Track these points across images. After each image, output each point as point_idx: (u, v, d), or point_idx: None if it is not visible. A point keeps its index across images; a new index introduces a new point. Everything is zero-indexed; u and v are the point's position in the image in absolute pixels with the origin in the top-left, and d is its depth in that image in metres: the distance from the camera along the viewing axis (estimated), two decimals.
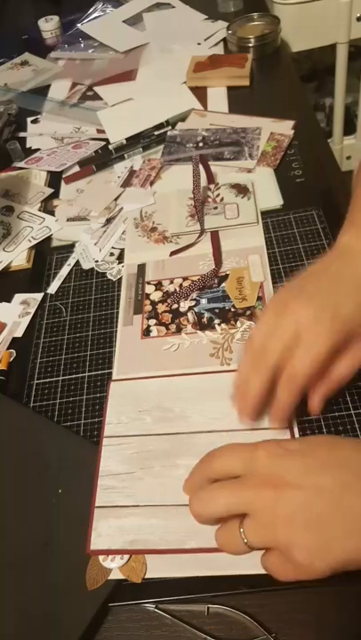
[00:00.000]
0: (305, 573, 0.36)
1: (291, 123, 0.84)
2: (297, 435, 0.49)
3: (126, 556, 0.45)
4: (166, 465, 0.50)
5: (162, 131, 0.87)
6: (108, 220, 0.76)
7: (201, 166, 0.78)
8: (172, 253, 0.69)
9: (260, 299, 0.61)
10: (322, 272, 0.47)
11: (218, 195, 0.74)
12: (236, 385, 0.48)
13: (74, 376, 0.60)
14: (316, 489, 0.37)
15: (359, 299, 0.44)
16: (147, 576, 0.44)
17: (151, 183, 0.79)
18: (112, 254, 0.72)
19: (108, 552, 0.45)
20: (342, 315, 0.43)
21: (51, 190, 0.83)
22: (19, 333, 0.65)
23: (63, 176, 0.85)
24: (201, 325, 0.61)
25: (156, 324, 0.62)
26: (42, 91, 1.07)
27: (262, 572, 0.43)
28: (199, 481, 0.43)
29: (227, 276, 0.64)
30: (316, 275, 0.48)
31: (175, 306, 0.63)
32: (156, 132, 0.87)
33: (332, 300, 0.44)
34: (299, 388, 0.44)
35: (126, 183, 0.80)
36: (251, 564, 0.43)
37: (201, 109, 0.91)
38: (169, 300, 0.64)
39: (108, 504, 0.48)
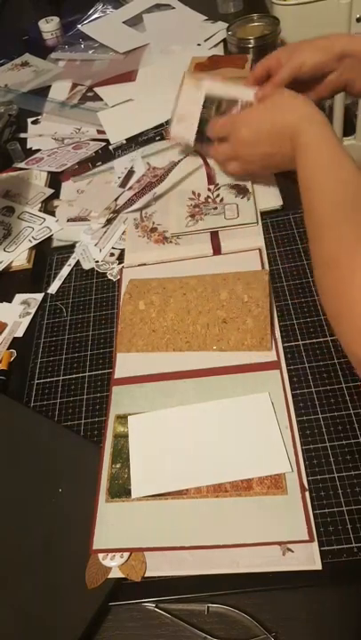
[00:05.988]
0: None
1: None
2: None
3: (126, 555, 0.45)
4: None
5: (161, 129, 0.87)
6: (109, 221, 0.76)
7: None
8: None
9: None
10: None
11: (218, 195, 0.74)
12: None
13: (74, 376, 0.60)
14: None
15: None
16: (146, 575, 0.44)
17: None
18: (112, 254, 0.72)
19: (111, 551, 0.45)
20: None
21: (51, 191, 0.84)
22: (19, 333, 0.66)
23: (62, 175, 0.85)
24: None
25: None
26: (42, 91, 1.07)
27: (262, 571, 0.43)
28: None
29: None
30: None
31: None
32: (155, 132, 0.87)
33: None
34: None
35: (126, 183, 0.80)
36: (251, 564, 0.43)
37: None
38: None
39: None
